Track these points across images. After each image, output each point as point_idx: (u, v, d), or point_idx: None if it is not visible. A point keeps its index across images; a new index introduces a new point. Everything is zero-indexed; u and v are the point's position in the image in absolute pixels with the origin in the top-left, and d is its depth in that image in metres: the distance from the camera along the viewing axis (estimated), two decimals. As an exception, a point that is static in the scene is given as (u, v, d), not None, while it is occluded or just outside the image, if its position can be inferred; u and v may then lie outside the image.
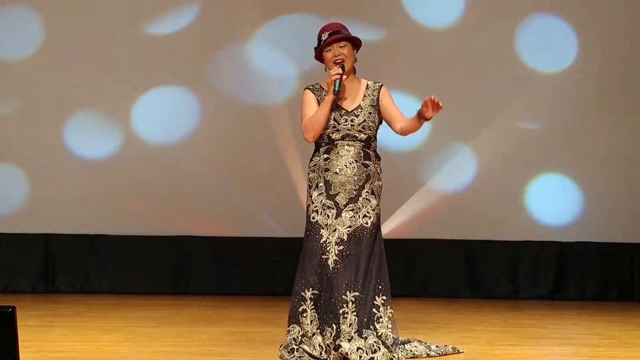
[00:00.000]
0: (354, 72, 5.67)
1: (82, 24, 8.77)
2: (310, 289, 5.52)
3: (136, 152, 8.79)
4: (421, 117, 5.40)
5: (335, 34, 5.54)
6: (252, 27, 8.79)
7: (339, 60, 5.52)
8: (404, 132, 5.58)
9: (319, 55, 5.61)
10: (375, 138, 5.63)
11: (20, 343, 3.93)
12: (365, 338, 5.40)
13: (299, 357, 5.47)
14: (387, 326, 5.49)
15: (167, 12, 8.82)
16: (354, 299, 5.44)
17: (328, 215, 5.52)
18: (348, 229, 5.50)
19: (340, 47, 5.54)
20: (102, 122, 8.81)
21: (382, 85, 5.66)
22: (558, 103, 8.80)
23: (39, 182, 8.77)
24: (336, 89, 5.45)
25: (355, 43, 5.58)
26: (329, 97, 5.49)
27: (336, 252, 5.48)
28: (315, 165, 5.60)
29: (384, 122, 5.65)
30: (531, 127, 8.78)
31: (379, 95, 5.62)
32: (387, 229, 8.53)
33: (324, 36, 5.56)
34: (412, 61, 8.71)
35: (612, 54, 8.77)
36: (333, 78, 5.46)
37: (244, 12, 8.80)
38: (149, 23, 8.80)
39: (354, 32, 5.62)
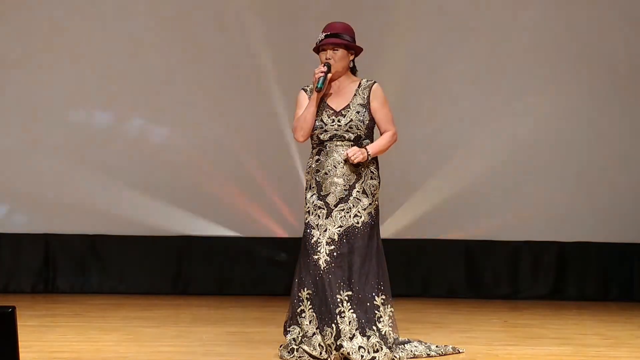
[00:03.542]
0: (354, 73, 5.66)
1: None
2: (306, 289, 5.52)
3: (136, 152, 8.79)
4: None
5: (332, 37, 5.54)
6: (255, 27, 8.79)
7: (330, 64, 5.53)
8: None
9: (316, 52, 5.62)
10: (367, 136, 5.60)
11: (20, 343, 3.93)
12: (368, 337, 5.41)
13: (299, 357, 5.47)
14: (388, 324, 5.49)
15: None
16: (347, 298, 5.44)
17: (319, 216, 5.52)
18: (339, 228, 5.50)
19: (334, 51, 5.55)
20: (102, 122, 8.81)
21: (374, 83, 5.64)
22: (557, 102, 8.80)
23: (39, 182, 8.77)
24: (318, 86, 5.47)
25: (351, 49, 5.58)
26: (314, 95, 5.51)
27: (327, 252, 5.48)
28: (309, 167, 5.62)
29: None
30: (531, 127, 8.78)
31: (369, 94, 5.60)
32: (390, 228, 8.55)
33: (320, 36, 5.56)
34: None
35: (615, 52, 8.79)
36: (317, 76, 5.48)
37: (246, 13, 8.82)
38: (139, 20, 8.82)
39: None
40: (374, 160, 5.61)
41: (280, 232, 8.78)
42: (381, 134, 5.63)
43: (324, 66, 5.49)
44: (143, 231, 8.83)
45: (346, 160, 5.50)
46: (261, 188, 8.78)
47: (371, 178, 5.59)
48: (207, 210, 8.81)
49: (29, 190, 8.78)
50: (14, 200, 8.80)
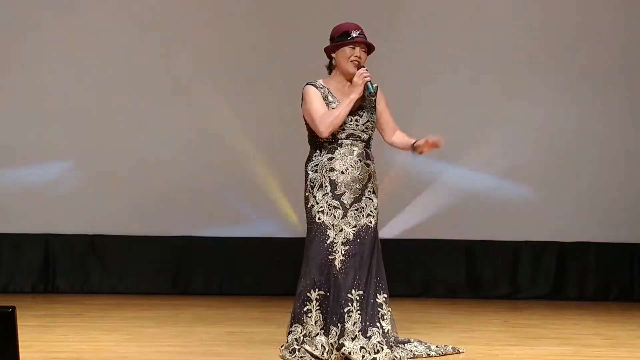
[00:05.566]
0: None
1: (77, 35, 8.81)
2: (317, 290, 5.51)
3: (136, 152, 8.79)
4: (415, 149, 5.57)
5: (362, 37, 5.53)
6: (248, 27, 8.80)
7: (356, 63, 5.52)
8: (392, 145, 5.76)
9: (336, 47, 5.56)
10: (371, 137, 5.65)
11: (20, 343, 3.93)
12: (369, 337, 5.41)
13: (301, 357, 5.47)
14: (390, 323, 5.51)
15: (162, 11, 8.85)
16: (358, 298, 5.45)
17: (334, 216, 5.52)
18: (353, 228, 5.51)
19: (363, 50, 5.55)
20: (102, 122, 8.81)
21: (377, 87, 5.65)
22: (558, 102, 8.80)
23: (39, 182, 8.77)
24: (371, 91, 5.46)
25: (370, 51, 5.61)
26: (354, 96, 5.47)
27: (342, 252, 5.49)
28: (317, 165, 5.59)
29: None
30: (531, 128, 8.77)
31: (376, 97, 5.63)
32: (390, 229, 8.54)
33: (354, 33, 5.51)
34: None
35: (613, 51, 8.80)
36: (366, 80, 5.45)
37: (242, 13, 8.82)
38: (144, 22, 8.82)
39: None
40: (374, 161, 5.64)
41: (281, 233, 8.77)
42: (391, 133, 5.69)
43: (365, 70, 5.48)
44: (143, 231, 8.82)
45: (361, 159, 5.51)
46: (262, 188, 8.78)
47: (376, 179, 5.63)
48: (207, 210, 8.80)
49: (29, 190, 8.77)
50: (14, 200, 8.79)
